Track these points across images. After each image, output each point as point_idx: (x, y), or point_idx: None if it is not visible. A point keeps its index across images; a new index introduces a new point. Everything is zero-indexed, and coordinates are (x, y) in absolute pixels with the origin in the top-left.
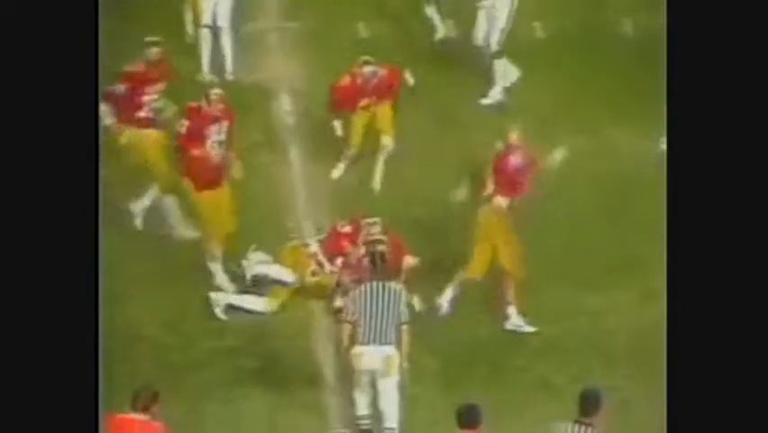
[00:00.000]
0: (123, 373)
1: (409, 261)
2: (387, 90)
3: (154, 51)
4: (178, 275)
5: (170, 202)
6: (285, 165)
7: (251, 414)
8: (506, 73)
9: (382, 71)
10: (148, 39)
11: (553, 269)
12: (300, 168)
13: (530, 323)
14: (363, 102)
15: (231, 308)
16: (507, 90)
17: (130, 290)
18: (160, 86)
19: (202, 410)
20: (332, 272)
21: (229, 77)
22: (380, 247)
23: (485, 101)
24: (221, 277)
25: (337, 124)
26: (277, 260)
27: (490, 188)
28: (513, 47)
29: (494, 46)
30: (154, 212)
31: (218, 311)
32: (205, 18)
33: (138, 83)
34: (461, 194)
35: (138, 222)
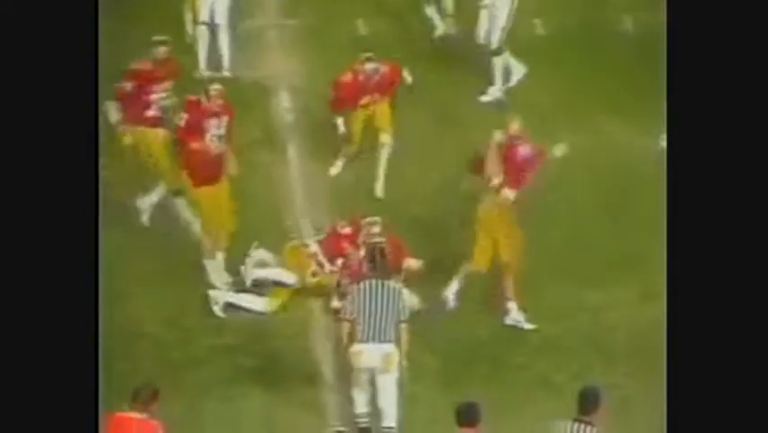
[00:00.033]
0: (122, 371)
1: (412, 263)
2: (388, 87)
3: (161, 50)
4: (178, 273)
5: (181, 201)
6: (284, 163)
7: (250, 412)
8: (513, 70)
9: (384, 68)
10: (155, 38)
11: (553, 266)
12: (299, 165)
13: (530, 320)
14: (365, 99)
15: (230, 306)
16: (510, 87)
17: (130, 288)
18: (168, 84)
19: (201, 408)
20: (332, 272)
21: (226, 73)
22: (380, 244)
23: (484, 98)
24: (214, 275)
25: (340, 122)
26: (278, 259)
27: (498, 179)
28: (513, 44)
29: (494, 44)
30: (156, 209)
31: (216, 309)
32: (203, 15)
33: (145, 81)
34: (468, 182)
35: (145, 218)
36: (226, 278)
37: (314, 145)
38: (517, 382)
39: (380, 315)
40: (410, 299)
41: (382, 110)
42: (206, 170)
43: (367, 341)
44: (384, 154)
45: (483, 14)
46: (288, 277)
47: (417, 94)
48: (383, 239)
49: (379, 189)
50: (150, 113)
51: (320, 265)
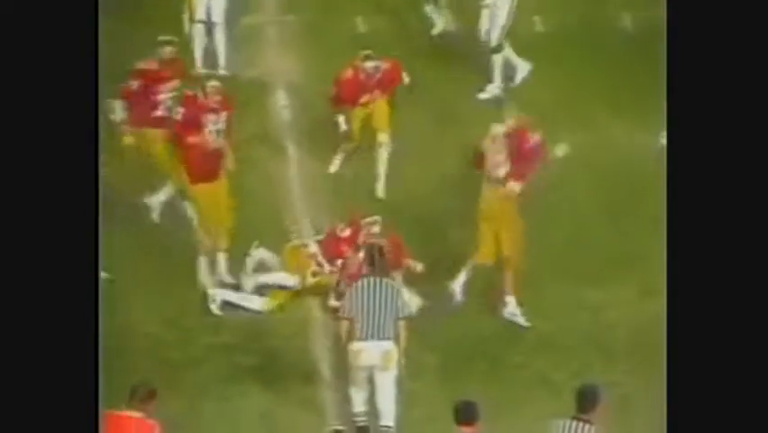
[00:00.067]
0: (120, 370)
1: (412, 265)
2: (389, 84)
3: (168, 50)
4: (176, 271)
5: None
6: (282, 160)
7: (248, 411)
8: (517, 68)
9: (385, 65)
10: (161, 38)
11: (553, 264)
12: (298, 163)
13: (529, 318)
14: (365, 97)
15: (227, 304)
16: (514, 85)
17: (126, 286)
18: (174, 84)
19: (199, 407)
20: (331, 272)
21: (222, 72)
22: (378, 242)
23: (483, 95)
24: (206, 274)
25: (341, 119)
26: (278, 258)
27: (503, 170)
28: (513, 42)
29: (494, 41)
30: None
31: (214, 307)
32: (200, 14)
33: (151, 81)
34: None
35: (155, 216)
36: (227, 278)
37: (312, 142)
38: (516, 380)
39: (379, 312)
40: (411, 301)
41: (380, 109)
42: (204, 167)
43: (366, 339)
44: (383, 154)
45: (484, 12)
46: (290, 280)
47: (416, 91)
48: (382, 238)
49: (380, 190)
50: (157, 113)
51: (320, 265)
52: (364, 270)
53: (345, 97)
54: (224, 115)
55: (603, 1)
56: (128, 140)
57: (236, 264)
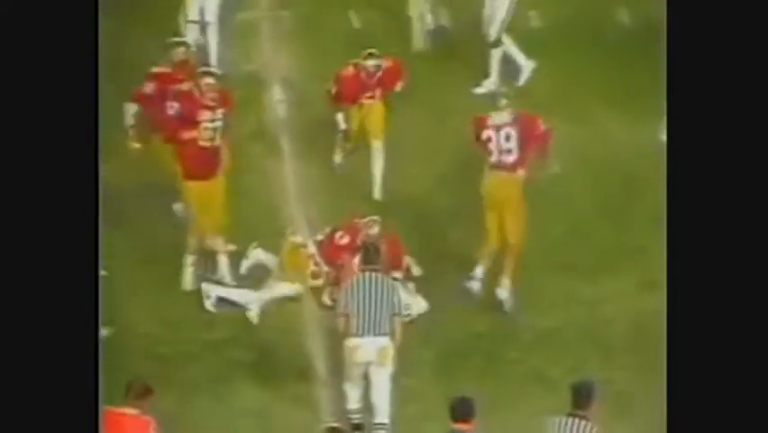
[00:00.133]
0: (115, 367)
1: (411, 265)
2: (390, 84)
3: (180, 51)
4: (171, 269)
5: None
6: (278, 157)
7: (243, 407)
8: (521, 66)
9: (386, 64)
10: (173, 39)
11: (550, 258)
12: (293, 159)
13: (525, 313)
14: (366, 95)
15: (221, 300)
16: (514, 84)
17: (122, 284)
18: (187, 85)
19: (194, 404)
20: (329, 274)
21: (215, 71)
22: (374, 239)
23: (479, 90)
24: (188, 275)
25: (340, 117)
26: (276, 259)
27: (514, 156)
28: (509, 36)
29: (492, 36)
30: (151, 205)
31: (208, 303)
32: (193, 14)
33: (165, 84)
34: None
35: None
36: (228, 279)
37: (309, 138)
38: (512, 376)
39: (375, 307)
40: (416, 305)
41: (377, 113)
42: (198, 164)
43: (362, 335)
44: (378, 160)
45: (487, 6)
46: (291, 289)
47: (412, 87)
48: (380, 237)
49: (377, 192)
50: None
51: (317, 265)
52: (360, 266)
53: (346, 96)
54: (220, 112)
55: None
56: (136, 145)
57: (235, 265)
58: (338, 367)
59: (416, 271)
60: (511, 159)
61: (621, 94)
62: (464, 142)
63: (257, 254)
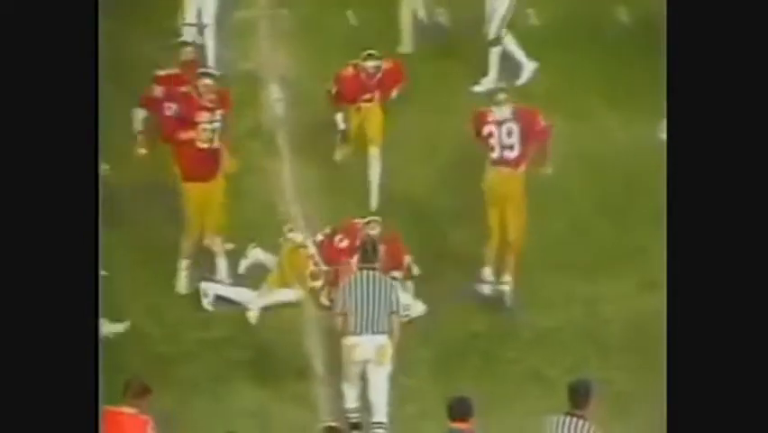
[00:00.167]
0: (113, 367)
1: (409, 264)
2: (390, 85)
3: (188, 51)
4: (168, 268)
5: None
6: (276, 156)
7: (241, 406)
8: (523, 66)
9: (386, 65)
10: (180, 39)
11: (549, 256)
12: (291, 157)
13: (524, 311)
14: (365, 97)
15: (219, 299)
16: (516, 83)
17: (121, 283)
18: (185, 87)
19: (191, 403)
20: (327, 274)
21: (213, 72)
22: (372, 235)
23: (477, 88)
24: (182, 279)
25: (339, 118)
26: (275, 259)
27: (516, 152)
28: (511, 35)
29: (492, 33)
30: (149, 207)
31: (206, 302)
32: (190, 16)
33: (174, 85)
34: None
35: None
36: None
37: (307, 136)
38: (510, 376)
39: (373, 306)
40: (415, 306)
41: (375, 118)
42: (196, 165)
43: (360, 333)
44: (375, 167)
45: (488, 4)
46: (292, 295)
47: (410, 85)
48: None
49: (374, 202)
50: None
51: (317, 265)
52: (358, 264)
53: (345, 96)
54: (219, 114)
55: None
56: (143, 150)
57: (233, 264)
58: (336, 366)
59: (416, 270)
60: (513, 154)
61: (621, 92)
62: (463, 140)
63: (256, 254)
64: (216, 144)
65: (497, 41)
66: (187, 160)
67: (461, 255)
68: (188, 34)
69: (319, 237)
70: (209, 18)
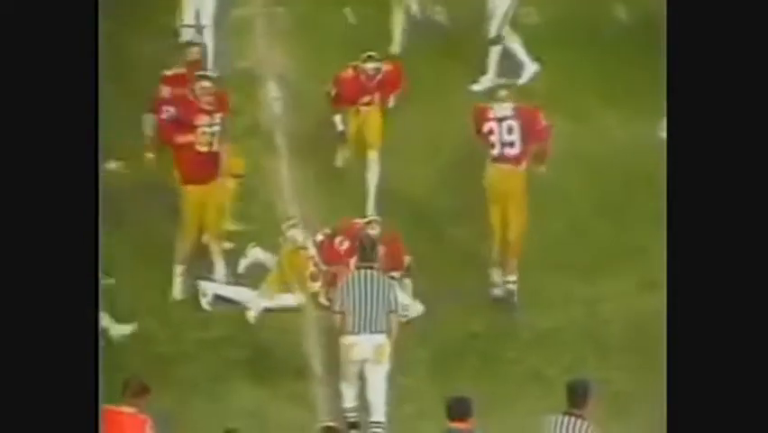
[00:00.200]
0: (112, 366)
1: (409, 264)
2: (390, 87)
3: (194, 51)
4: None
5: None
6: (274, 154)
7: (239, 406)
8: (524, 66)
9: (386, 67)
10: (185, 39)
11: (548, 256)
12: (290, 157)
13: (524, 311)
14: (365, 99)
15: (218, 298)
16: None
17: (121, 283)
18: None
19: (190, 402)
20: (327, 274)
21: (211, 73)
22: (371, 234)
23: (476, 87)
24: (178, 284)
25: (338, 119)
26: (275, 259)
27: (517, 149)
28: (515, 34)
29: (492, 32)
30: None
31: (204, 302)
32: (188, 18)
33: (182, 85)
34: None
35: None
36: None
37: (304, 135)
38: (509, 375)
39: (371, 305)
40: (413, 306)
41: (374, 121)
42: (195, 168)
43: (358, 332)
44: (373, 171)
45: (488, 2)
46: (294, 300)
47: (409, 84)
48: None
49: (371, 207)
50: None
51: (316, 266)
52: (356, 263)
53: (345, 98)
54: (218, 117)
55: None
56: (151, 155)
57: (233, 264)
58: (334, 366)
59: (416, 271)
60: (514, 151)
61: (620, 91)
62: (463, 139)
63: (255, 253)
64: (216, 147)
65: (497, 39)
66: (186, 163)
67: (461, 255)
68: (187, 35)
69: (319, 238)
70: (207, 19)
